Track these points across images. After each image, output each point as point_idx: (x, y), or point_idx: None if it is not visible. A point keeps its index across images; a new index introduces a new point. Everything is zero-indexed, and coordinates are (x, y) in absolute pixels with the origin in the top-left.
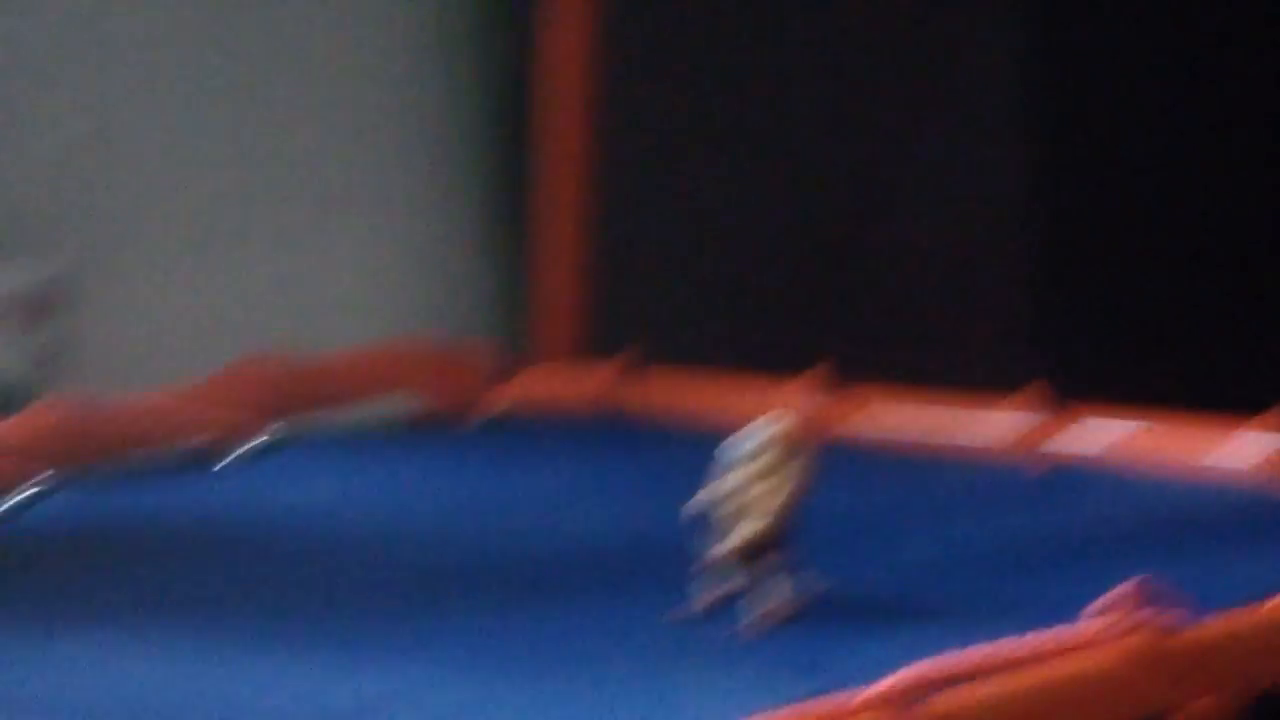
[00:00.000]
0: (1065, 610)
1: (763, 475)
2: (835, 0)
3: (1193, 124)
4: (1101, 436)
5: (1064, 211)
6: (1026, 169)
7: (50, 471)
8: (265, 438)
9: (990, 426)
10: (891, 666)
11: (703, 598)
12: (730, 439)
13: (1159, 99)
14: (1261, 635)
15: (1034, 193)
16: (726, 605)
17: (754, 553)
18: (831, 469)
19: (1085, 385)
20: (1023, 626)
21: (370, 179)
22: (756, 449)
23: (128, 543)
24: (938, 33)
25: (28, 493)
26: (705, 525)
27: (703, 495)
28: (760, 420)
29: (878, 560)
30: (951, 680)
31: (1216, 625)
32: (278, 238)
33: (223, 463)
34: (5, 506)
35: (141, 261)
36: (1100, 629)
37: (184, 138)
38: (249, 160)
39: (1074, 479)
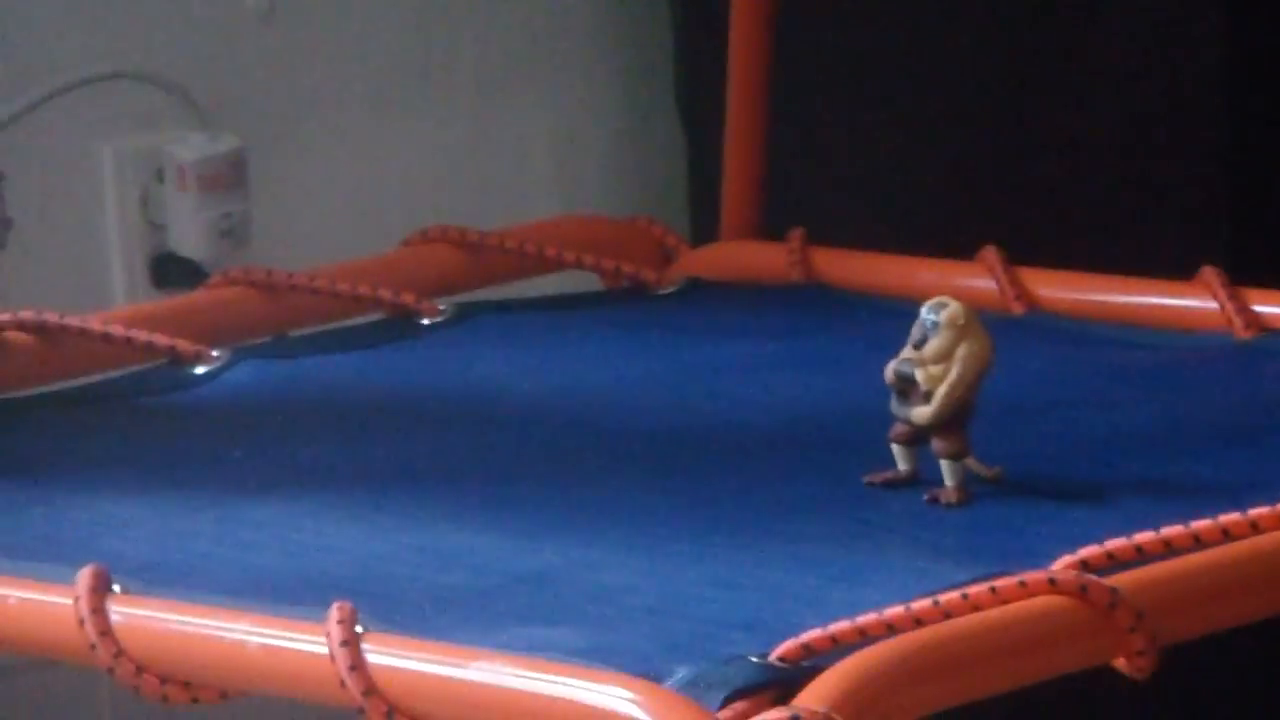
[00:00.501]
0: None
1: (930, 360)
2: None
3: None
4: None
5: (1251, 98)
6: (1217, 43)
7: (230, 344)
8: (444, 311)
9: (1171, 306)
10: (1069, 546)
11: (878, 475)
12: (920, 315)
13: None
14: None
15: (1224, 72)
16: (906, 479)
17: (918, 438)
18: (1010, 350)
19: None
20: (1219, 508)
21: (550, 50)
22: (931, 324)
23: (307, 413)
24: None
25: (212, 365)
26: (895, 397)
27: (887, 371)
28: (926, 306)
29: (1061, 439)
30: (1138, 557)
31: None
32: (452, 110)
33: (404, 337)
34: (194, 375)
35: (315, 135)
36: None
37: (358, 9)
38: (422, 31)
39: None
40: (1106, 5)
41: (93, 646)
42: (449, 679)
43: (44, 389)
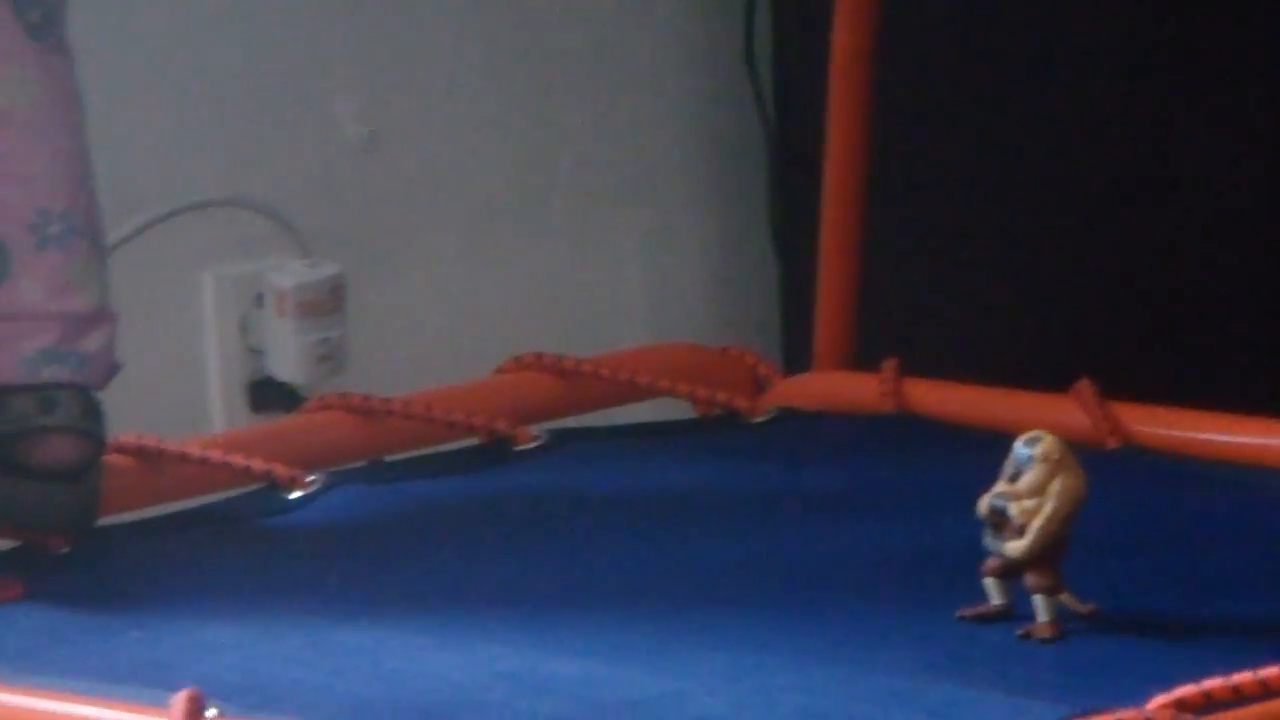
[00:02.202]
0: None
1: (1024, 495)
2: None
3: None
4: None
5: None
6: None
7: (326, 468)
8: (538, 438)
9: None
10: (1164, 685)
11: (971, 609)
12: (1013, 450)
13: None
14: None
15: None
16: (1001, 614)
17: (1012, 572)
18: (1104, 485)
19: None
20: None
21: (645, 180)
22: (1024, 458)
23: (401, 539)
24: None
25: (308, 489)
26: (988, 530)
27: (981, 504)
28: (1020, 439)
29: (1155, 576)
30: (1234, 698)
31: None
32: (547, 238)
33: (499, 463)
34: (290, 499)
35: (413, 262)
36: None
37: (458, 139)
38: (519, 161)
39: None
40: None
41: None
42: None
43: (143, 513)
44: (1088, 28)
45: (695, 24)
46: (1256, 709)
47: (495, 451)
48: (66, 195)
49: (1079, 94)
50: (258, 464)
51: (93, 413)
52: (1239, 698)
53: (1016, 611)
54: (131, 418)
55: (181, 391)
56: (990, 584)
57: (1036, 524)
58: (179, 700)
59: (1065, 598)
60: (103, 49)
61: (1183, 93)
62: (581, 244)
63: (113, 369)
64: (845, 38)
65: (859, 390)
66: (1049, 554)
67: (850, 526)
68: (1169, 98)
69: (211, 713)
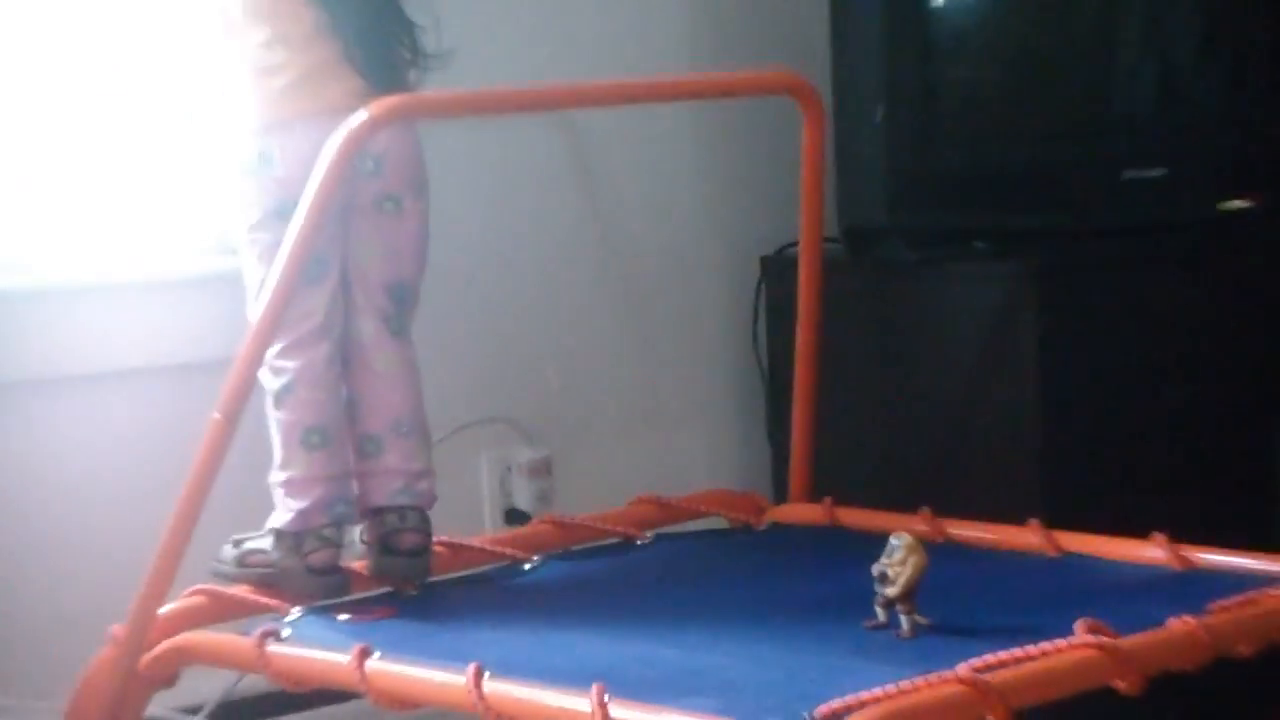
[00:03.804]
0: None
1: (899, 561)
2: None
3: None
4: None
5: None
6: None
7: (543, 553)
8: (649, 539)
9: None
10: (965, 658)
11: (870, 622)
12: (889, 543)
13: None
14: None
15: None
16: (887, 623)
17: (895, 600)
18: (935, 560)
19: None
20: (1025, 641)
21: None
22: (895, 549)
23: (584, 587)
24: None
25: (534, 564)
26: (878, 583)
27: (874, 569)
28: (893, 536)
29: (960, 607)
30: (994, 666)
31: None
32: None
33: (628, 551)
34: (525, 569)
35: (598, 442)
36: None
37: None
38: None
39: (1074, 567)
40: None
41: (475, 704)
42: None
43: (450, 575)
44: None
45: (714, 323)
46: (1026, 668)
47: (626, 545)
48: (411, 412)
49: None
50: (508, 551)
51: (426, 522)
52: (1016, 661)
53: (893, 624)
54: (447, 526)
55: (472, 516)
56: (879, 610)
57: (902, 580)
58: (470, 670)
59: (916, 617)
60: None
61: None
62: (661, 456)
63: (433, 499)
64: (804, 334)
65: (812, 513)
66: (907, 594)
67: (808, 583)
68: None
69: (487, 674)
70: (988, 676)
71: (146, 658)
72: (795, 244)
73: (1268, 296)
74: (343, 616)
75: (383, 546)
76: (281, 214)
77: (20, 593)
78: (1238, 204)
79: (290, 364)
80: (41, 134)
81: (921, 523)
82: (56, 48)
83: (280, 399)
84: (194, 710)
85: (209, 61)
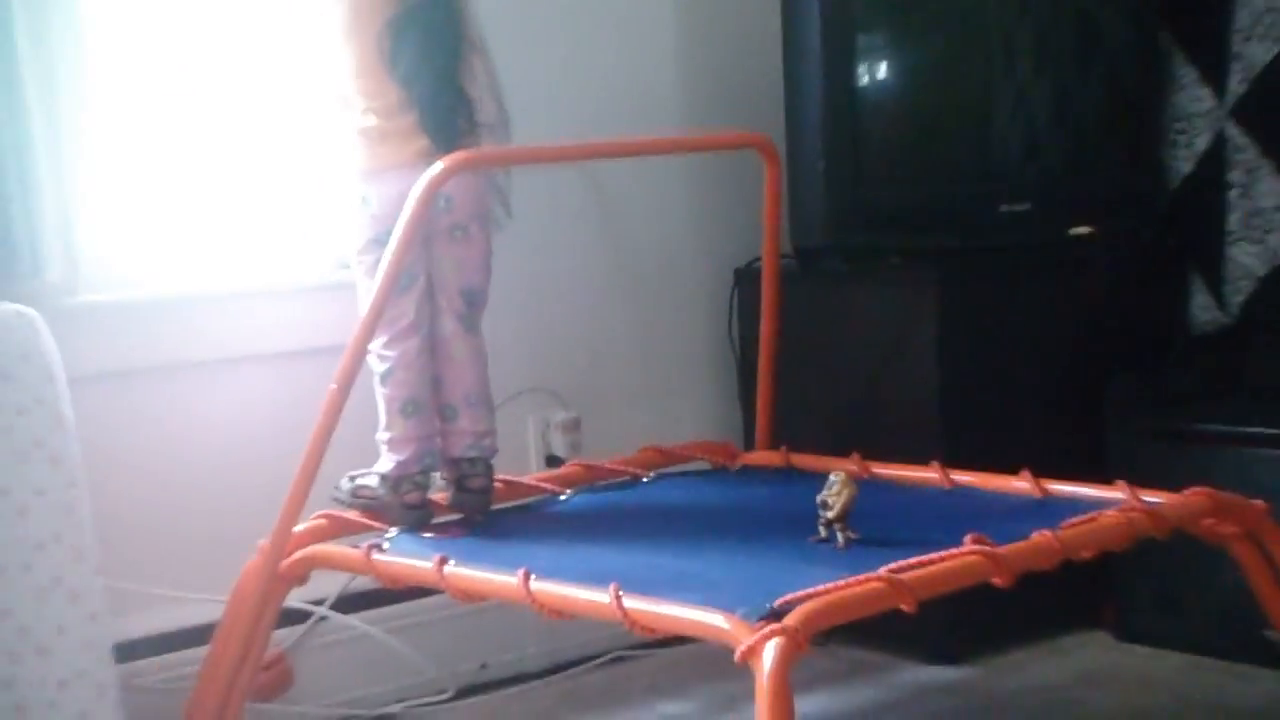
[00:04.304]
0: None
1: (836, 493)
2: None
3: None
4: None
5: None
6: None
7: (574, 487)
8: (651, 476)
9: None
10: (888, 562)
11: (814, 537)
12: (828, 479)
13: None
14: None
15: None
16: (828, 538)
17: (832, 521)
18: (864, 492)
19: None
20: (928, 550)
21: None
22: (833, 483)
23: (601, 513)
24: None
25: (568, 495)
26: (820, 508)
27: (818, 498)
28: (831, 474)
29: (881, 526)
30: (905, 569)
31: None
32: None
33: (634, 485)
34: (560, 499)
35: (614, 402)
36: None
37: None
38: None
39: (964, 496)
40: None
41: (525, 598)
42: (650, 611)
43: (506, 505)
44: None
45: (699, 318)
46: (929, 570)
47: (634, 481)
48: (479, 387)
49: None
50: (547, 485)
51: (489, 469)
52: (922, 565)
53: (830, 539)
54: (504, 468)
55: (521, 461)
56: (821, 529)
57: (838, 506)
58: (520, 572)
59: (849, 533)
60: None
61: None
62: (660, 416)
63: (494, 451)
64: (766, 326)
65: (772, 458)
66: (842, 517)
67: (769, 509)
68: None
69: (533, 577)
70: (901, 576)
71: (285, 563)
72: (759, 259)
73: (1102, 298)
74: (428, 535)
75: (458, 486)
76: (378, 241)
77: (192, 518)
78: (1081, 230)
79: (391, 353)
80: (218, 168)
81: (852, 464)
82: (206, 90)
83: (385, 379)
84: (319, 602)
85: (329, 124)
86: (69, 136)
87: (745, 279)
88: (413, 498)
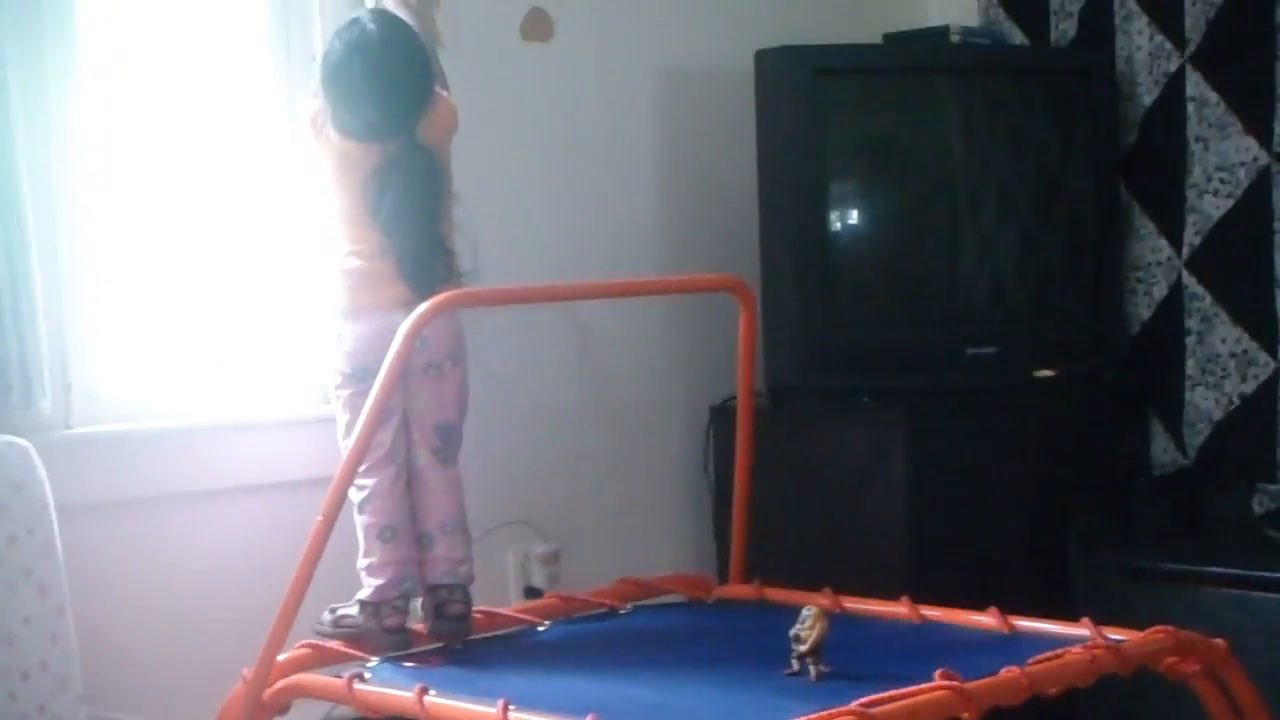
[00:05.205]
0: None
1: (809, 627)
2: None
3: None
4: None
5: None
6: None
7: (553, 619)
8: (629, 609)
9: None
10: (859, 696)
11: (788, 670)
12: (801, 613)
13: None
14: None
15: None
16: (801, 671)
17: (805, 655)
18: (836, 626)
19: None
20: (898, 684)
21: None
22: (805, 617)
23: (581, 643)
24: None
25: (547, 627)
26: (793, 642)
27: (791, 632)
28: (805, 608)
29: (852, 660)
30: (876, 703)
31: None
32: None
33: (612, 618)
34: (539, 631)
35: (593, 535)
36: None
37: None
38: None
39: (934, 631)
40: None
41: None
42: None
43: (485, 635)
44: None
45: (676, 453)
46: (899, 704)
47: (612, 613)
48: (455, 516)
49: None
50: (527, 616)
51: (467, 596)
52: (892, 699)
53: (803, 672)
54: (483, 599)
55: (500, 592)
56: (794, 662)
57: (810, 640)
58: (500, 704)
59: (821, 667)
60: None
61: None
62: (637, 549)
63: (471, 579)
64: (740, 461)
65: (746, 591)
66: (814, 651)
67: (744, 641)
68: None
69: (512, 708)
70: (872, 710)
71: (268, 691)
72: (735, 397)
73: (1067, 438)
74: (408, 664)
75: (436, 613)
76: (355, 377)
77: (177, 647)
78: (1045, 373)
79: (368, 481)
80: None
81: (824, 598)
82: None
83: (362, 506)
84: None
85: (314, 261)
86: (66, 273)
87: (720, 416)
88: (392, 622)
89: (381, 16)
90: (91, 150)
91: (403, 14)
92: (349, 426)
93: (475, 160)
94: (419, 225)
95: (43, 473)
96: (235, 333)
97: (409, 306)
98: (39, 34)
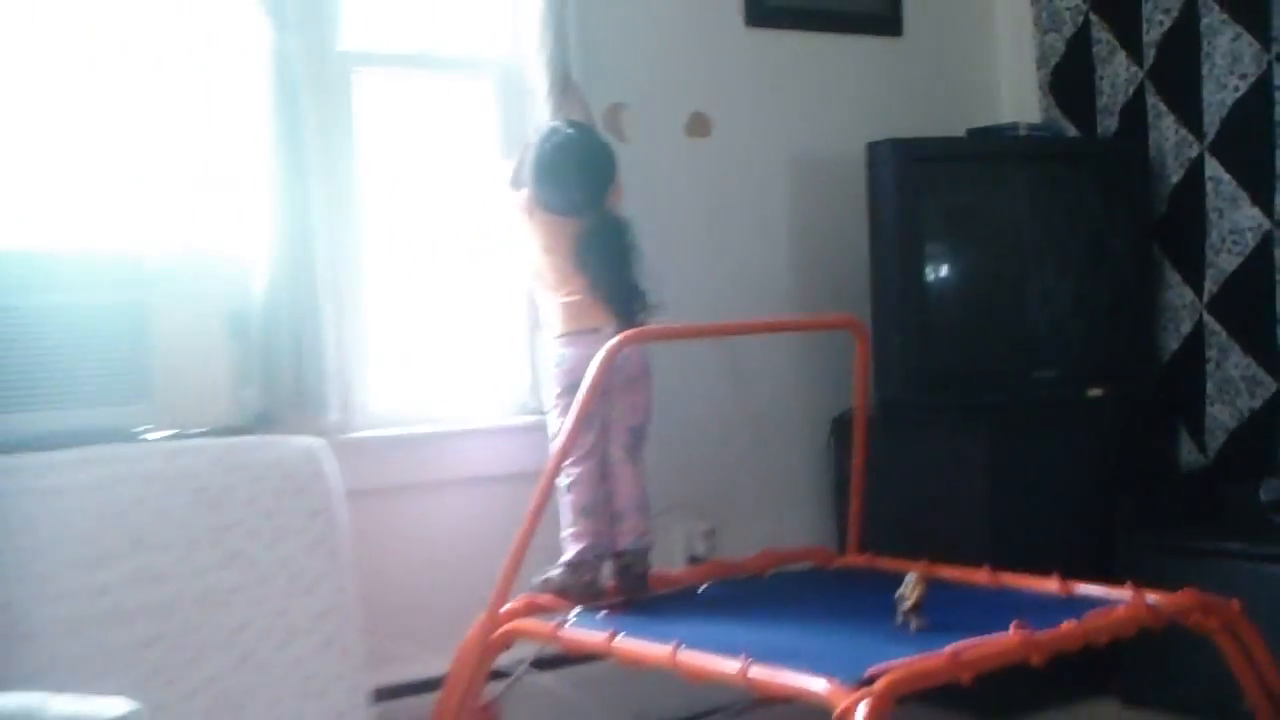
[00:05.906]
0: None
1: (910, 589)
2: None
3: None
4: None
5: None
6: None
7: (708, 582)
8: (769, 572)
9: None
10: (955, 640)
11: (894, 622)
12: (905, 578)
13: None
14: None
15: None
16: (904, 623)
17: (909, 610)
18: (932, 589)
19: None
20: (982, 634)
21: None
22: (908, 581)
23: (719, 597)
24: None
25: (701, 587)
26: (897, 601)
27: (897, 593)
28: (909, 574)
29: (945, 615)
30: (964, 649)
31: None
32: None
33: (754, 582)
34: (698, 591)
35: (741, 516)
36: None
37: None
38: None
39: (1008, 593)
40: None
41: (673, 665)
42: (770, 677)
43: (659, 592)
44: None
45: (806, 453)
46: (982, 649)
47: (757, 577)
48: (639, 500)
49: None
50: (691, 578)
51: (647, 561)
52: (977, 646)
53: (906, 624)
54: (658, 564)
55: (671, 559)
56: (900, 616)
57: (912, 598)
58: (671, 645)
59: (921, 620)
60: None
61: None
62: (775, 527)
63: (651, 547)
64: (857, 459)
65: (861, 560)
66: (916, 607)
67: (859, 599)
68: None
69: (680, 649)
70: (962, 655)
71: (496, 633)
72: (852, 409)
73: (1112, 443)
74: (601, 613)
75: (623, 573)
76: (569, 390)
77: (428, 597)
78: (1096, 391)
79: (574, 470)
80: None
81: (922, 566)
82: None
83: (569, 489)
84: (520, 662)
85: (529, 299)
86: (348, 316)
87: (840, 425)
88: (589, 579)
89: (573, 124)
90: (368, 214)
91: (581, 117)
92: (563, 429)
93: (652, 227)
94: (620, 273)
95: (333, 465)
96: (462, 361)
97: (613, 333)
98: (334, 111)
